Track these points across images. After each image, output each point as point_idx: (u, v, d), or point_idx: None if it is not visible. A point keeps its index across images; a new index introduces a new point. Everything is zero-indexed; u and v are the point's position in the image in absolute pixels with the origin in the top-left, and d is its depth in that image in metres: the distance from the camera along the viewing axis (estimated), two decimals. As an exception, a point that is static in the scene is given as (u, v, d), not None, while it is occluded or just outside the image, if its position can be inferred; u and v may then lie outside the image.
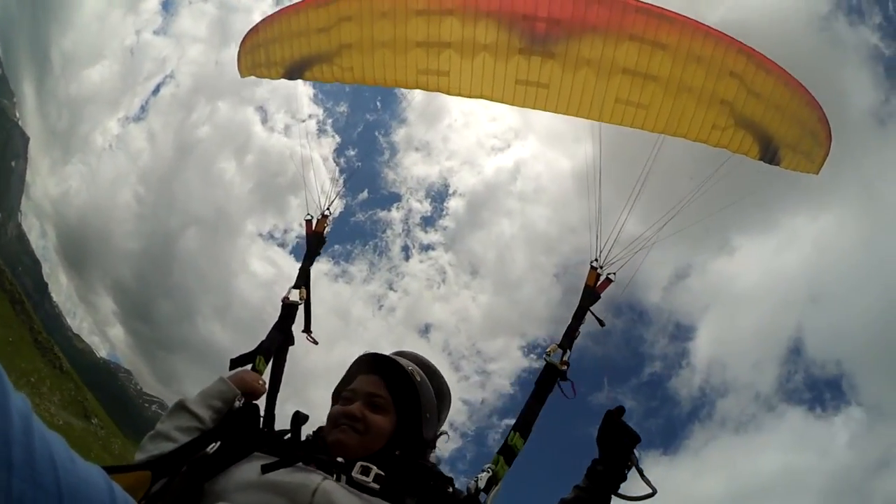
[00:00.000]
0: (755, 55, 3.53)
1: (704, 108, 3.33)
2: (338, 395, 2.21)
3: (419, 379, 2.13)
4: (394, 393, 2.09)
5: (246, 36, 4.19)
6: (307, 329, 3.02)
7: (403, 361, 2.15)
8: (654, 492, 2.15)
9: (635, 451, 2.25)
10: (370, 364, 2.16)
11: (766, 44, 3.46)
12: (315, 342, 3.02)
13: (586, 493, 2.18)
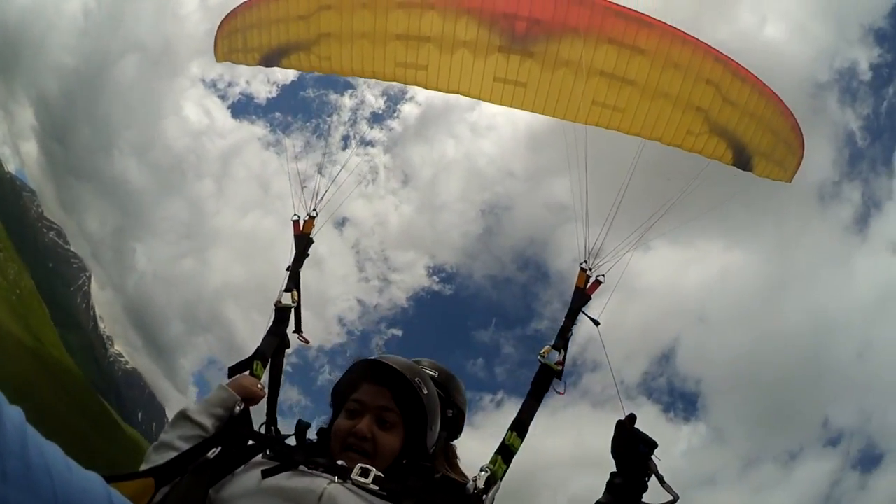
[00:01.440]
0: (731, 64, 3.57)
1: (680, 114, 3.36)
2: (339, 400, 2.16)
3: (425, 392, 2.10)
4: (401, 406, 2.06)
5: (224, 20, 4.10)
6: (298, 330, 2.99)
7: (408, 370, 2.11)
8: (677, 497, 2.07)
9: (654, 457, 2.17)
10: (375, 372, 2.11)
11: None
12: (307, 342, 3.00)
13: None
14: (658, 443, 2.18)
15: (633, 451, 2.17)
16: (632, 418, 2.27)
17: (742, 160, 3.52)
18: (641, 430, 2.24)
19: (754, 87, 3.60)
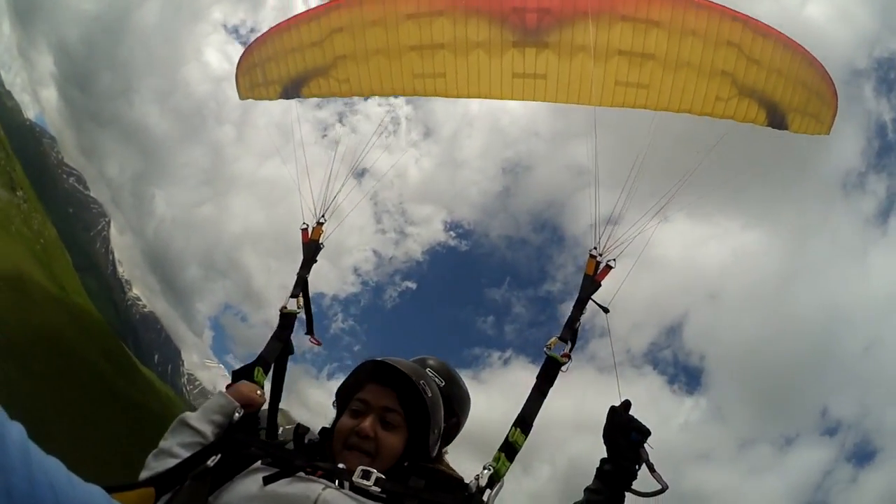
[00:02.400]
0: (750, 21, 3.49)
1: (705, 81, 3.30)
2: (344, 399, 2.18)
3: (430, 394, 2.11)
4: (405, 408, 2.07)
5: (242, 56, 4.22)
6: (310, 331, 3.03)
7: (413, 372, 2.12)
8: (666, 488, 2.06)
9: (646, 445, 2.17)
10: (381, 373, 2.13)
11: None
12: (319, 343, 3.04)
13: (598, 494, 2.13)
14: (651, 431, 2.17)
15: (625, 438, 2.16)
16: (626, 404, 2.25)
17: (776, 119, 3.44)
18: (636, 416, 2.23)
19: (777, 42, 3.51)
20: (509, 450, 2.22)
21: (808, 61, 3.56)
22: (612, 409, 2.28)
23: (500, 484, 2.11)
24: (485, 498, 2.04)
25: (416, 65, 3.55)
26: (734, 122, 3.35)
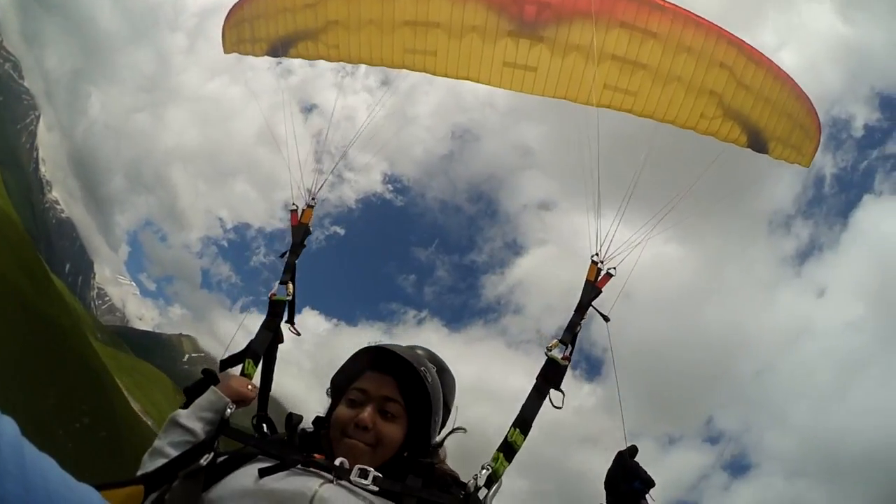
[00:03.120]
0: (745, 47, 3.51)
1: (693, 98, 3.30)
2: (340, 387, 2.10)
3: (430, 380, 2.04)
4: (405, 396, 2.01)
5: (230, 10, 4.09)
6: (290, 321, 2.91)
7: (414, 359, 2.05)
8: None
9: (648, 496, 2.08)
10: (379, 360, 2.06)
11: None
12: (298, 333, 2.93)
13: None
14: (656, 483, 2.09)
15: (628, 485, 2.09)
16: (633, 450, 2.18)
17: (757, 144, 3.46)
18: (641, 465, 2.15)
19: (769, 71, 3.54)
20: (508, 450, 2.18)
21: (795, 94, 3.59)
22: (620, 454, 2.20)
23: (497, 484, 2.06)
24: (481, 496, 1.99)
25: (409, 40, 3.47)
26: (715, 139, 3.35)
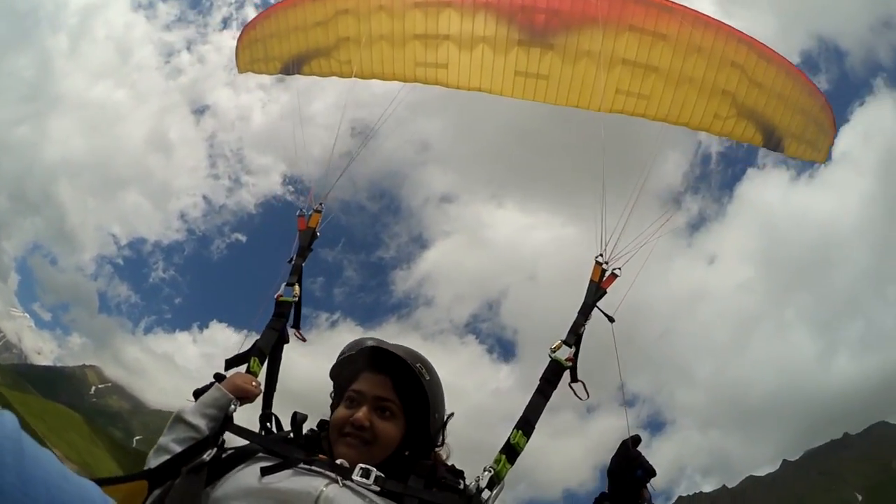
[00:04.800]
0: (756, 45, 3.50)
1: (706, 99, 3.30)
2: (339, 389, 2.13)
3: (427, 378, 2.05)
4: (402, 394, 2.02)
5: (243, 31, 4.17)
6: (296, 325, 2.95)
7: (409, 356, 2.06)
8: None
9: (649, 485, 2.11)
10: (375, 359, 2.07)
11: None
12: (303, 339, 2.97)
13: None
14: (657, 472, 2.10)
15: (630, 475, 2.11)
16: (636, 440, 2.20)
17: (772, 142, 3.45)
18: (643, 454, 2.17)
19: (780, 68, 3.53)
20: (510, 452, 2.18)
21: (809, 90, 3.58)
22: (624, 443, 2.21)
23: (500, 486, 2.07)
24: (483, 497, 2.01)
25: (420, 53, 3.51)
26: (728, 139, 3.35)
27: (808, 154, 3.57)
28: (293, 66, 3.95)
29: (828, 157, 3.63)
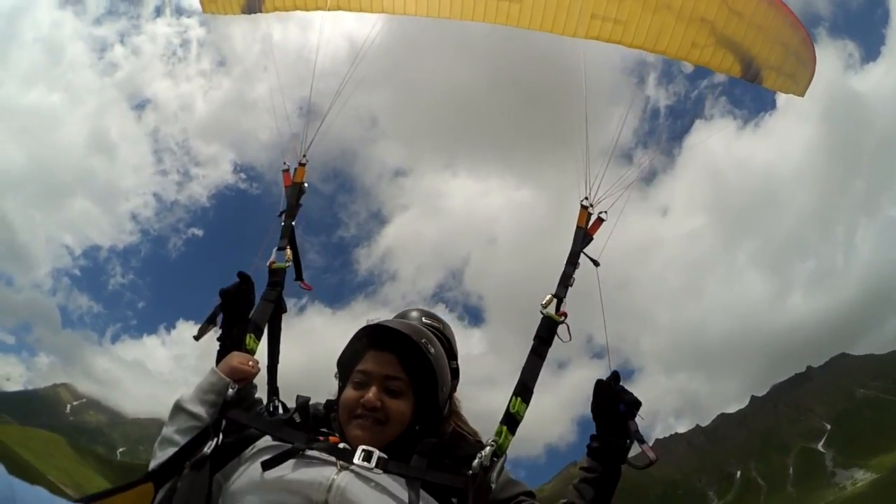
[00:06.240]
0: (736, -26, 3.39)
1: (684, 25, 3.20)
2: (345, 371, 2.08)
3: (433, 351, 2.02)
4: (409, 370, 1.99)
5: (205, -33, 3.96)
6: (299, 277, 2.80)
7: (414, 332, 2.02)
8: (655, 460, 2.00)
9: (636, 417, 2.07)
10: (380, 339, 2.03)
11: None
12: (309, 288, 2.82)
13: (592, 472, 2.05)
14: (641, 402, 2.07)
15: (613, 411, 2.07)
16: (615, 376, 2.15)
17: (751, 73, 3.37)
18: (625, 387, 2.13)
19: (761, -1, 3.43)
20: (511, 422, 2.11)
21: (790, 22, 3.49)
22: (599, 382, 2.16)
23: (503, 458, 2.02)
24: (491, 477, 1.94)
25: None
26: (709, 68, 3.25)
27: (787, 87, 3.50)
28: (256, 2, 3.77)
29: (806, 92, 3.55)
